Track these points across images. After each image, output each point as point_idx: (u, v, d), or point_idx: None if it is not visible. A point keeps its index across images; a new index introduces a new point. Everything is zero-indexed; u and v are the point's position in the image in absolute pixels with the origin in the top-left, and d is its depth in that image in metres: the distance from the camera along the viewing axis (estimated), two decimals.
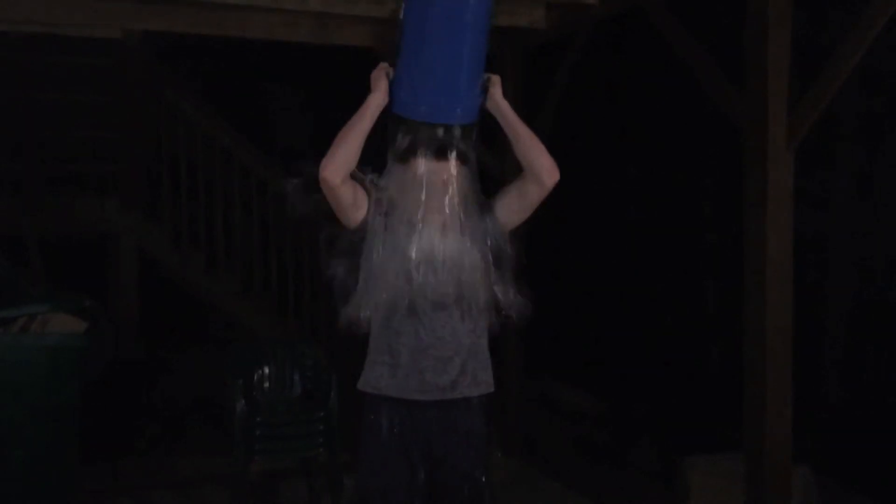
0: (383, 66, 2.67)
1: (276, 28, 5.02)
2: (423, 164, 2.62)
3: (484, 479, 2.74)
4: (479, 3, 2.57)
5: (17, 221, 5.83)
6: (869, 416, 5.03)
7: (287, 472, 4.96)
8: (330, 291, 2.69)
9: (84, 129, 6.32)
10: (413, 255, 2.59)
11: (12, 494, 3.89)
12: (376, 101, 2.62)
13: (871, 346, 5.16)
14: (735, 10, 4.00)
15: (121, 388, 5.51)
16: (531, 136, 2.70)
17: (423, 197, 2.62)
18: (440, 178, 2.63)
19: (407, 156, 2.64)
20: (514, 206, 2.72)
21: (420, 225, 2.60)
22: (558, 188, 2.70)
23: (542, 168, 2.67)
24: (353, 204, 2.64)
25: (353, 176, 2.62)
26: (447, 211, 2.63)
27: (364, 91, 2.64)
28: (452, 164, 2.63)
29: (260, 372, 4.77)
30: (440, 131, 2.62)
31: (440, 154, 2.62)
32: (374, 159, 2.67)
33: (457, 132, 2.64)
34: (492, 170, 4.80)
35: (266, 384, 4.78)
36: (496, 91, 2.69)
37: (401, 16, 2.64)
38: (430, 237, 2.60)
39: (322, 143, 2.62)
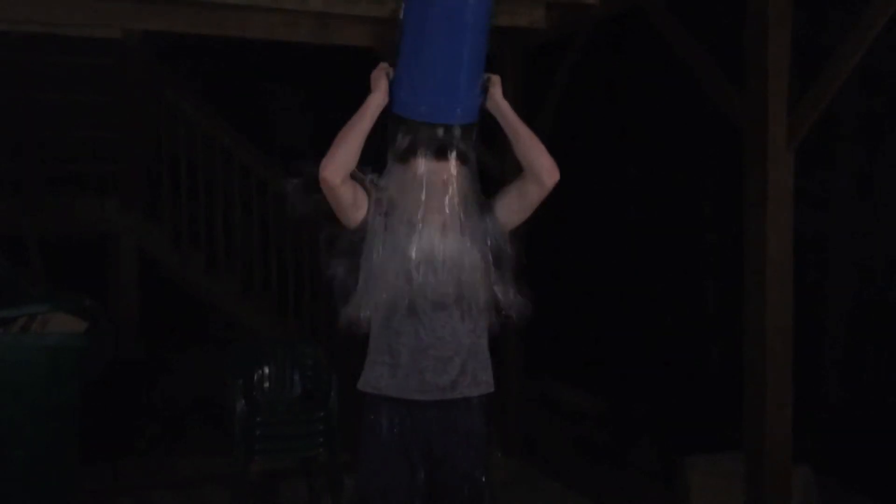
0: (383, 66, 2.67)
1: (276, 28, 5.02)
2: (423, 164, 2.62)
3: (484, 479, 2.74)
4: (479, 3, 2.57)
5: (17, 221, 5.83)
6: (869, 416, 5.03)
7: (287, 472, 4.96)
8: (330, 291, 2.69)
9: (84, 129, 6.31)
10: (413, 255, 2.59)
11: (12, 494, 3.89)
12: (376, 101, 2.62)
13: (871, 346, 5.16)
14: (735, 10, 4.00)
15: (121, 388, 5.51)
16: (531, 136, 2.70)
17: (423, 197, 2.61)
18: (440, 178, 2.63)
19: (407, 156, 2.64)
20: (514, 206, 2.72)
21: (420, 225, 2.60)
22: (558, 188, 2.70)
23: (542, 168, 2.67)
24: (353, 204, 2.64)
25: (353, 176, 2.62)
26: (447, 211, 2.63)
27: (364, 91, 2.64)
28: (452, 164, 2.63)
29: (260, 372, 4.77)
30: (440, 131, 2.62)
31: (440, 154, 2.62)
32: (374, 159, 2.67)
33: (457, 132, 2.64)
34: (492, 170, 4.80)
35: (266, 384, 4.78)
36: (496, 91, 2.69)
37: (401, 16, 2.64)
38: (430, 237, 2.60)
39: (322, 143, 2.62)
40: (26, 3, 4.68)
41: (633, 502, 4.95)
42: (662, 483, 5.00)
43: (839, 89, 3.67)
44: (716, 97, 4.04)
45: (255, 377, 4.75)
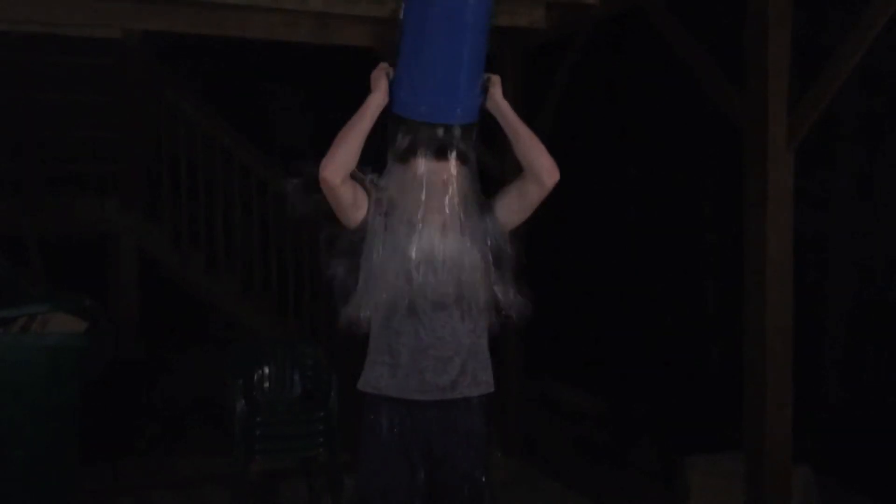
0: (383, 66, 2.67)
1: (276, 28, 5.02)
2: (423, 164, 2.62)
3: (484, 479, 2.74)
4: (480, 3, 2.57)
5: (17, 221, 5.83)
6: (869, 416, 5.03)
7: (287, 472, 4.96)
8: (330, 291, 2.69)
9: (84, 129, 6.32)
10: (413, 255, 2.59)
11: (12, 494, 3.89)
12: (376, 101, 2.62)
13: (871, 346, 5.16)
14: (735, 10, 4.00)
15: (121, 388, 5.51)
16: (531, 136, 2.70)
17: (423, 197, 2.61)
18: (440, 178, 2.63)
19: (407, 156, 2.64)
20: (514, 206, 2.72)
21: (420, 225, 2.60)
22: (558, 188, 2.70)
23: (542, 168, 2.67)
24: (353, 204, 2.64)
25: (353, 176, 2.62)
26: (447, 211, 2.63)
27: (364, 91, 2.64)
28: (452, 164, 2.63)
29: (260, 372, 4.77)
30: (440, 131, 2.62)
31: (440, 154, 2.62)
32: (374, 159, 2.67)
33: (457, 132, 2.64)
34: (492, 170, 4.80)
35: (266, 384, 4.78)
36: (496, 91, 2.69)
37: (401, 16, 2.64)
38: (430, 237, 2.60)
39: (322, 143, 2.62)
40: (26, 3, 4.68)
41: (633, 502, 4.95)
42: (662, 483, 5.00)
43: (839, 89, 3.66)
44: (716, 97, 4.04)
45: (255, 377, 4.75)
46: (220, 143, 6.42)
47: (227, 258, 6.43)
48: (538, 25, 5.11)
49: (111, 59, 6.24)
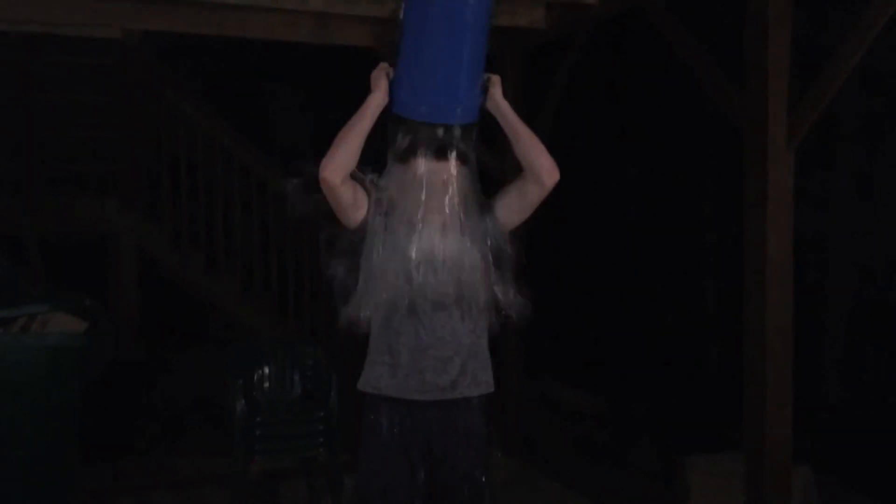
0: (383, 66, 2.67)
1: (276, 28, 5.02)
2: (423, 164, 2.62)
3: (484, 480, 2.74)
4: (480, 3, 2.57)
5: (17, 221, 5.84)
6: (869, 416, 5.03)
7: (287, 472, 4.96)
8: (330, 291, 2.69)
9: (84, 129, 6.32)
10: (413, 255, 2.59)
11: (12, 494, 3.89)
12: (376, 101, 2.62)
13: (871, 346, 5.16)
14: (735, 10, 4.00)
15: (121, 388, 5.51)
16: (531, 136, 2.70)
17: (423, 197, 2.61)
18: (440, 178, 2.63)
19: (407, 156, 2.64)
20: (514, 206, 2.72)
21: (420, 225, 2.60)
22: (558, 188, 2.70)
23: (542, 168, 2.67)
24: (353, 204, 2.64)
25: (353, 176, 2.62)
26: (447, 211, 2.63)
27: (364, 91, 2.64)
28: (452, 164, 2.63)
29: (260, 372, 4.77)
30: (440, 131, 2.62)
31: (440, 154, 2.62)
32: (374, 159, 2.67)
33: (457, 132, 2.64)
34: (492, 170, 4.80)
35: (266, 384, 4.78)
36: (496, 91, 2.69)
37: (401, 16, 2.64)
38: (430, 237, 2.60)
39: (322, 143, 2.62)
40: (26, 3, 4.68)
41: (633, 502, 4.95)
42: (662, 483, 5.00)
43: (839, 89, 3.66)
44: (716, 97, 4.04)
45: (255, 377, 4.75)
46: (220, 143, 6.42)
47: (227, 258, 6.43)
48: (538, 25, 5.11)
49: (111, 59, 6.24)
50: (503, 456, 5.25)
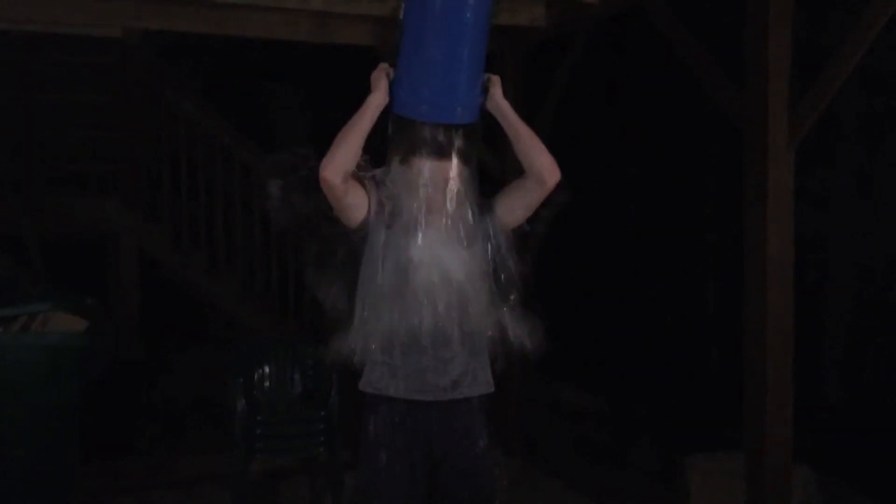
0: (383, 66, 2.67)
1: (276, 27, 5.02)
2: (423, 164, 2.63)
3: (486, 480, 2.74)
4: (480, 3, 2.57)
5: (18, 221, 5.84)
6: (869, 416, 5.03)
7: (287, 471, 4.96)
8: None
9: (84, 129, 6.32)
10: (413, 256, 2.59)
11: (12, 494, 3.89)
12: (376, 100, 2.62)
13: (871, 346, 5.16)
14: (735, 10, 4.00)
15: (121, 388, 5.51)
16: (532, 136, 2.70)
17: (424, 197, 2.62)
18: (440, 178, 2.63)
19: (407, 156, 2.64)
20: (515, 206, 2.72)
21: (421, 225, 2.60)
22: (558, 187, 2.70)
23: (542, 167, 2.67)
24: (353, 204, 2.64)
25: (353, 176, 2.62)
26: (447, 211, 2.63)
27: (364, 90, 2.64)
28: (452, 164, 2.63)
29: (260, 371, 4.77)
30: (440, 131, 2.62)
31: (440, 154, 2.62)
32: (374, 159, 2.67)
33: (457, 132, 2.64)
34: (492, 170, 4.80)
35: (266, 383, 4.78)
36: (496, 91, 2.69)
37: (401, 15, 2.63)
38: (430, 238, 2.60)
39: (322, 143, 2.62)
40: (27, 2, 4.68)
41: (634, 502, 4.95)
42: (662, 483, 5.00)
43: (839, 89, 3.66)
44: (716, 97, 4.04)
45: (256, 376, 4.75)
46: (221, 142, 6.42)
47: (227, 258, 6.43)
48: (538, 24, 5.11)
49: (111, 59, 6.25)
50: (503, 456, 5.24)
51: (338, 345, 2.64)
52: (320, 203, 2.64)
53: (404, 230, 2.61)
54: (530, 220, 2.74)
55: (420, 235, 2.60)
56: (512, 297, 2.67)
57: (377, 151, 2.67)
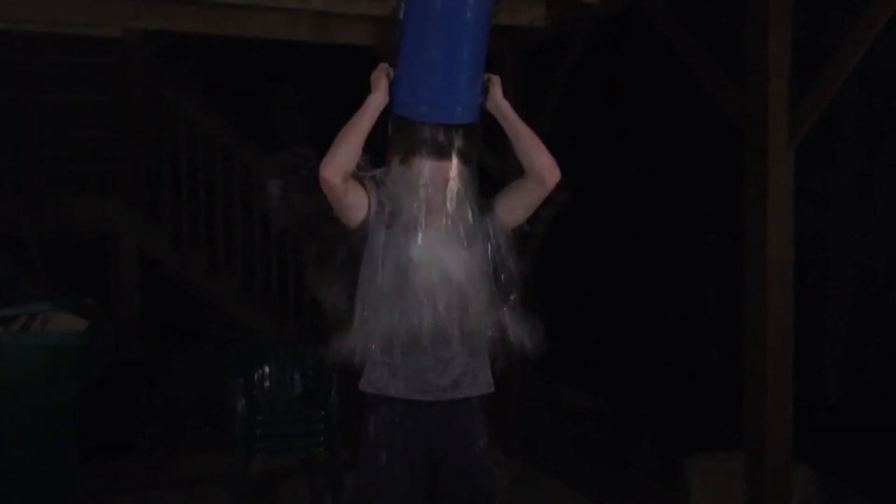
0: (383, 66, 2.67)
1: (276, 27, 5.02)
2: (423, 164, 2.63)
3: (486, 480, 2.74)
4: (480, 3, 2.57)
5: (18, 221, 5.84)
6: (869, 416, 5.03)
7: (287, 471, 4.96)
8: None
9: (84, 129, 6.32)
10: (413, 256, 2.59)
11: (12, 494, 3.89)
12: (376, 100, 2.62)
13: (871, 346, 5.16)
14: (735, 10, 4.00)
15: (121, 388, 5.51)
16: (532, 136, 2.70)
17: (424, 197, 2.62)
18: (440, 178, 2.63)
19: (407, 156, 2.64)
20: (515, 206, 2.72)
21: (421, 226, 2.60)
22: (558, 188, 2.70)
23: (542, 167, 2.67)
24: (353, 204, 2.64)
25: (353, 176, 2.62)
26: (447, 211, 2.63)
27: (364, 90, 2.64)
28: (453, 164, 2.63)
29: (260, 371, 4.77)
30: (440, 131, 2.62)
31: (440, 154, 2.62)
32: (374, 159, 2.67)
33: (457, 132, 2.64)
34: (492, 170, 4.80)
35: (266, 383, 4.78)
36: (496, 91, 2.69)
37: (401, 15, 2.63)
38: (430, 238, 2.60)
39: (322, 143, 2.62)
40: (27, 2, 4.68)
41: (634, 502, 4.95)
42: (662, 483, 5.00)
43: (839, 89, 3.66)
44: (716, 97, 4.04)
45: (256, 376, 4.75)
46: (221, 142, 6.42)
47: (227, 258, 6.43)
48: (538, 24, 5.11)
49: (111, 59, 6.24)
50: (503, 456, 5.24)
51: (338, 345, 2.64)
52: (320, 203, 2.64)
53: (404, 230, 2.61)
54: (530, 220, 2.74)
55: (420, 235, 2.60)
56: (512, 297, 2.67)
57: (377, 151, 2.67)
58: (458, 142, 2.63)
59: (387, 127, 2.65)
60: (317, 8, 4.76)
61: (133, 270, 6.35)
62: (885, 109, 5.07)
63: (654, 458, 5.51)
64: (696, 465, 4.57)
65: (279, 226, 2.71)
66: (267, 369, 4.79)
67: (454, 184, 2.63)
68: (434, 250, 2.60)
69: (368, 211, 2.66)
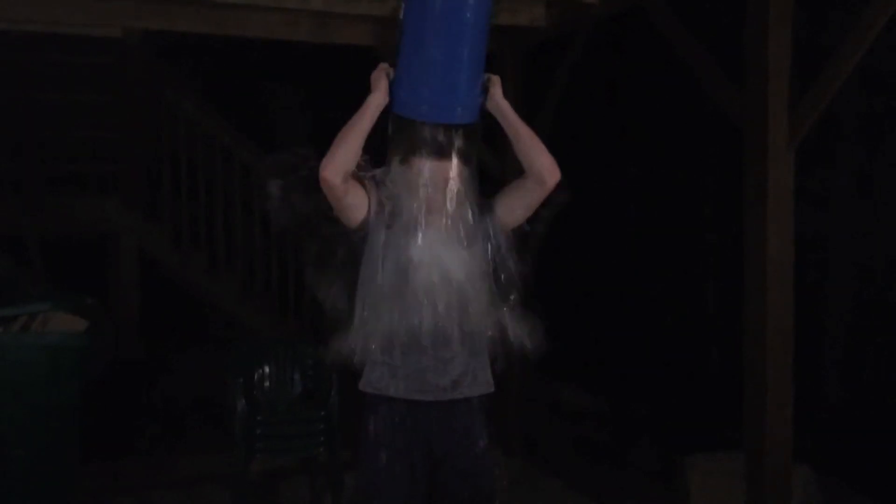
0: (383, 66, 2.67)
1: (276, 27, 5.02)
2: (423, 164, 2.63)
3: (486, 480, 2.74)
4: (480, 3, 2.57)
5: (18, 221, 5.84)
6: (869, 416, 5.03)
7: (287, 471, 4.96)
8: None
9: (84, 129, 6.32)
10: (413, 256, 2.59)
11: (13, 494, 3.89)
12: (376, 100, 2.62)
13: (871, 346, 5.16)
14: (735, 10, 4.00)
15: (121, 388, 5.51)
16: (532, 136, 2.70)
17: (424, 197, 2.62)
18: (440, 178, 2.63)
19: (407, 156, 2.64)
20: (515, 206, 2.72)
21: (421, 226, 2.60)
22: (558, 188, 2.70)
23: (542, 167, 2.67)
24: (353, 204, 2.64)
25: (353, 176, 2.62)
26: (447, 211, 2.63)
27: (364, 90, 2.64)
28: (453, 164, 2.63)
29: (260, 371, 4.77)
30: (440, 131, 2.62)
31: (440, 154, 2.62)
32: (374, 159, 2.67)
33: (457, 132, 2.64)
34: (492, 170, 4.80)
35: (266, 383, 4.78)
36: (496, 91, 2.69)
37: (401, 15, 2.64)
38: (430, 238, 2.60)
39: (322, 143, 2.62)
40: (27, 2, 4.68)
41: (634, 502, 4.95)
42: (662, 483, 5.00)
43: (839, 89, 3.66)
44: (716, 97, 4.04)
45: (256, 376, 4.75)
46: (221, 142, 6.42)
47: (227, 258, 6.43)
48: (538, 24, 5.11)
49: (111, 59, 6.25)
50: (503, 456, 5.24)
51: (338, 345, 2.64)
52: (320, 203, 2.64)
53: (404, 230, 2.61)
54: (530, 220, 2.74)
55: (420, 235, 2.60)
56: (512, 297, 2.67)
57: (377, 151, 2.67)
58: (458, 142, 2.63)
59: (387, 127, 2.65)
60: (317, 8, 4.76)
61: (133, 270, 6.35)
62: (885, 109, 5.07)
63: (654, 458, 5.51)
64: (696, 465, 4.57)
65: (279, 226, 2.71)
66: (267, 369, 4.79)
67: (454, 184, 2.63)
68: (434, 250, 2.60)
69: (368, 211, 2.66)
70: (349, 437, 3.52)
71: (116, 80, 6.28)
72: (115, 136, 6.31)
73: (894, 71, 4.91)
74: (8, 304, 4.02)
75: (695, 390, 6.03)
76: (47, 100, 6.16)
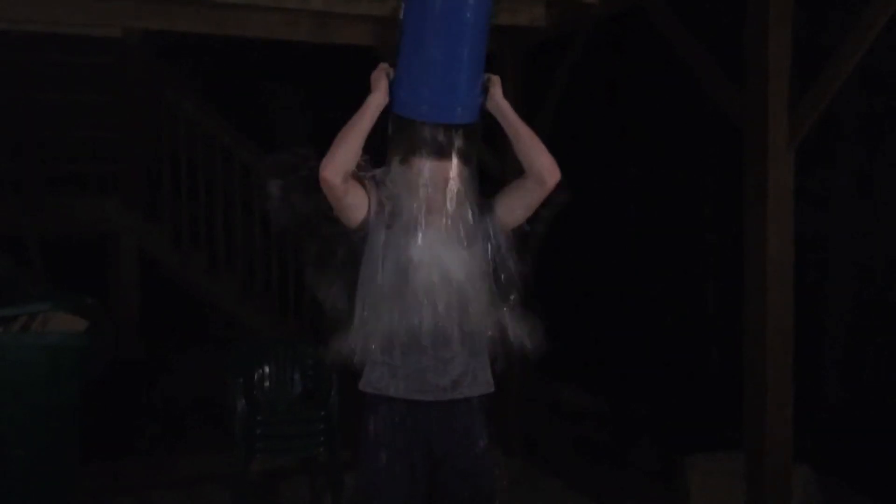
0: (383, 66, 2.67)
1: (276, 27, 5.02)
2: (423, 164, 2.63)
3: (486, 480, 2.74)
4: (480, 3, 2.57)
5: (18, 221, 5.84)
6: (869, 416, 5.03)
7: (287, 471, 4.96)
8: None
9: (84, 129, 6.32)
10: (414, 256, 2.59)
11: (13, 494, 3.89)
12: (376, 100, 2.62)
13: (871, 346, 5.16)
14: (735, 10, 4.00)
15: (121, 388, 5.51)
16: (532, 136, 2.70)
17: (424, 197, 2.62)
18: (440, 178, 2.63)
19: (407, 156, 2.64)
20: (515, 206, 2.72)
21: (421, 226, 2.60)
22: (558, 188, 2.70)
23: (542, 167, 2.67)
24: (353, 204, 2.64)
25: (353, 176, 2.62)
26: (447, 211, 2.63)
27: (364, 90, 2.64)
28: (453, 164, 2.63)
29: (260, 371, 4.77)
30: (440, 131, 2.62)
31: (440, 154, 2.62)
32: (374, 159, 2.67)
33: (457, 132, 2.64)
34: (492, 170, 4.80)
35: (266, 383, 4.78)
36: (496, 91, 2.69)
37: (401, 15, 2.64)
38: (430, 238, 2.60)
39: (322, 143, 2.62)
40: (26, 2, 4.68)
41: (634, 502, 4.95)
42: (662, 483, 5.00)
43: (839, 89, 3.66)
44: (716, 97, 4.04)
45: (256, 376, 4.75)
46: (221, 142, 6.42)
47: (227, 258, 6.43)
48: (538, 24, 5.11)
49: (111, 59, 6.25)
50: (503, 456, 5.24)
51: (338, 345, 2.64)
52: (320, 203, 2.64)
53: (404, 230, 2.61)
54: (530, 220, 2.74)
55: (420, 235, 2.60)
56: (512, 297, 2.67)
57: (377, 151, 2.67)
58: (458, 142, 2.63)
59: (387, 127, 2.65)
60: (317, 8, 4.76)
61: (133, 270, 6.35)
62: (885, 109, 5.07)
63: (654, 458, 5.51)
64: (696, 465, 4.57)
65: (279, 226, 2.71)
66: (267, 369, 4.79)
67: (454, 184, 2.63)
68: (434, 250, 2.60)
69: (368, 211, 2.66)
70: (349, 437, 3.52)
71: (116, 80, 6.28)
72: (115, 136, 6.31)
73: (894, 71, 4.91)
74: (8, 304, 4.02)
75: (695, 390, 6.04)
76: (47, 100, 6.16)
